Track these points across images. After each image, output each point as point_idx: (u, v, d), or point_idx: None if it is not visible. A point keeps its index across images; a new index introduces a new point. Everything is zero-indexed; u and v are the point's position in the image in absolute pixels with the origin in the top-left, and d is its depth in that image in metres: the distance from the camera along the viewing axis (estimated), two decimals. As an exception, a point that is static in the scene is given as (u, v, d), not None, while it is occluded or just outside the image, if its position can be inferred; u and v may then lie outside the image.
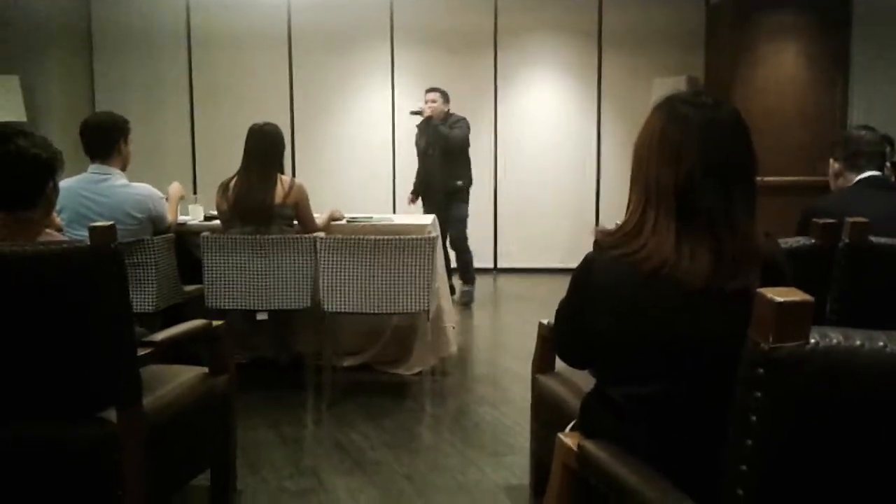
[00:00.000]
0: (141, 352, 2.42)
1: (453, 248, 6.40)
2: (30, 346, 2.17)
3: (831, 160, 3.29)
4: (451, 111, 6.31)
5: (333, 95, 8.17)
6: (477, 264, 8.05)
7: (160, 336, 2.63)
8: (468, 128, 6.28)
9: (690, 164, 1.58)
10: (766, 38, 7.25)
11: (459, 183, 6.33)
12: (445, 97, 6.28)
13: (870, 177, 3.13)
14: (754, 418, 1.18)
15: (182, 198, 4.56)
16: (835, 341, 1.16)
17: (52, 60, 7.78)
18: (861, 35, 7.14)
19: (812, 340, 1.16)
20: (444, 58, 8.12)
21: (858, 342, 1.16)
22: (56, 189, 2.51)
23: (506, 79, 8.17)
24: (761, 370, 1.17)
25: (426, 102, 6.22)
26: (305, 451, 3.57)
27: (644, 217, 1.62)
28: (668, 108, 1.65)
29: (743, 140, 1.63)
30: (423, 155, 6.38)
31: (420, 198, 6.56)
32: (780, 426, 1.18)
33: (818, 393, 1.17)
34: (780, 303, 1.16)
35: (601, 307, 1.69)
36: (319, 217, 4.52)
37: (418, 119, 6.34)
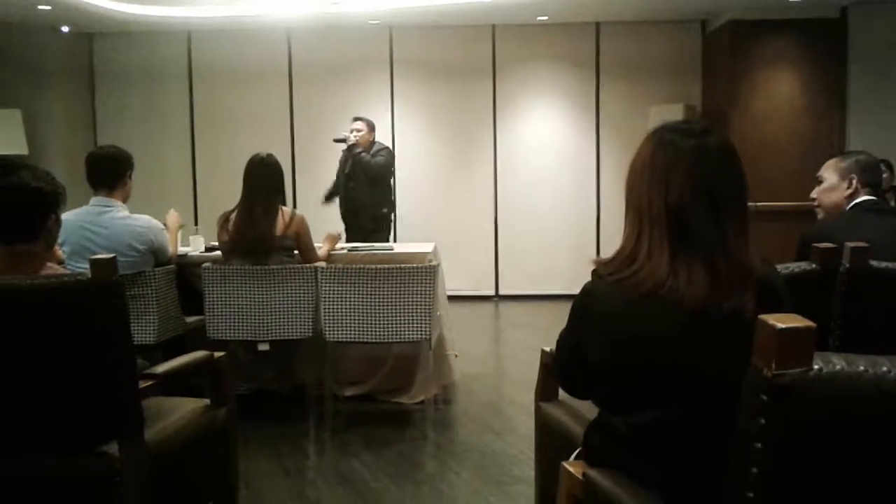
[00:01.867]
0: (142, 384, 2.41)
1: None
2: (31, 379, 2.17)
3: (850, 177, 3.19)
4: (375, 140, 6.27)
5: (333, 125, 8.20)
6: (478, 292, 8.11)
7: (161, 368, 2.62)
8: (391, 156, 6.28)
9: (679, 187, 1.61)
10: (762, 66, 7.32)
11: (384, 210, 6.32)
12: (371, 126, 6.27)
13: (865, 201, 3.13)
14: (759, 445, 1.18)
15: (181, 226, 4.57)
16: (838, 367, 1.16)
17: (54, 94, 7.86)
18: (857, 62, 7.21)
19: (815, 366, 1.15)
20: (443, 87, 8.19)
21: (862, 367, 1.16)
22: (58, 223, 2.52)
23: (504, 107, 8.23)
24: (765, 397, 1.17)
25: (351, 131, 6.20)
26: (308, 482, 3.55)
27: (639, 242, 1.65)
28: (658, 136, 1.69)
29: (732, 165, 1.65)
30: (345, 183, 6.31)
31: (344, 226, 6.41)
32: (784, 453, 1.18)
33: (822, 419, 1.16)
34: (782, 329, 1.16)
35: (600, 334, 1.70)
36: (321, 248, 4.53)
37: (342, 146, 6.25)
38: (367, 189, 6.22)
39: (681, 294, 1.56)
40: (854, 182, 3.15)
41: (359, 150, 6.14)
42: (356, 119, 6.31)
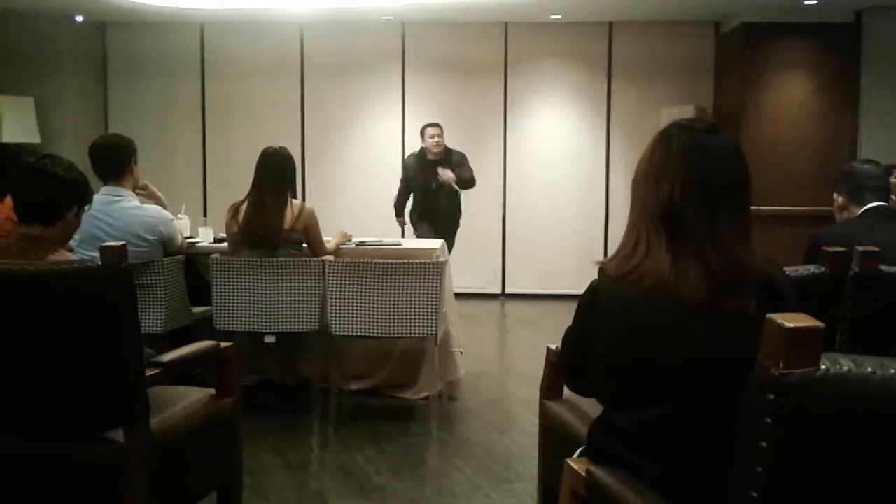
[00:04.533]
0: (149, 372, 2.42)
1: None
2: (39, 364, 2.18)
3: (835, 194, 3.28)
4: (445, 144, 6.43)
5: (344, 119, 8.23)
6: (485, 289, 8.11)
7: (168, 357, 2.63)
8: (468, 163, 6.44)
9: (671, 182, 1.61)
10: (775, 69, 7.28)
11: (459, 217, 6.60)
12: (442, 130, 6.39)
13: (876, 206, 3.13)
14: (764, 444, 1.17)
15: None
16: (845, 368, 1.15)
17: (66, 83, 7.88)
18: (870, 65, 7.17)
19: (822, 367, 1.15)
20: (454, 84, 8.19)
21: (869, 369, 1.15)
22: (78, 218, 2.57)
23: (515, 105, 8.22)
24: (771, 396, 1.16)
25: (430, 137, 6.32)
26: (311, 475, 3.56)
27: (637, 239, 1.66)
28: (663, 133, 1.70)
29: (731, 162, 1.64)
30: (426, 191, 6.46)
31: (416, 224, 6.61)
32: (789, 452, 1.17)
33: (828, 419, 1.16)
34: (790, 328, 1.15)
35: (605, 330, 1.70)
36: (330, 241, 4.54)
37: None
38: (448, 198, 6.47)
39: (684, 290, 1.57)
40: (838, 197, 3.24)
41: (442, 166, 6.25)
42: (431, 125, 6.39)
